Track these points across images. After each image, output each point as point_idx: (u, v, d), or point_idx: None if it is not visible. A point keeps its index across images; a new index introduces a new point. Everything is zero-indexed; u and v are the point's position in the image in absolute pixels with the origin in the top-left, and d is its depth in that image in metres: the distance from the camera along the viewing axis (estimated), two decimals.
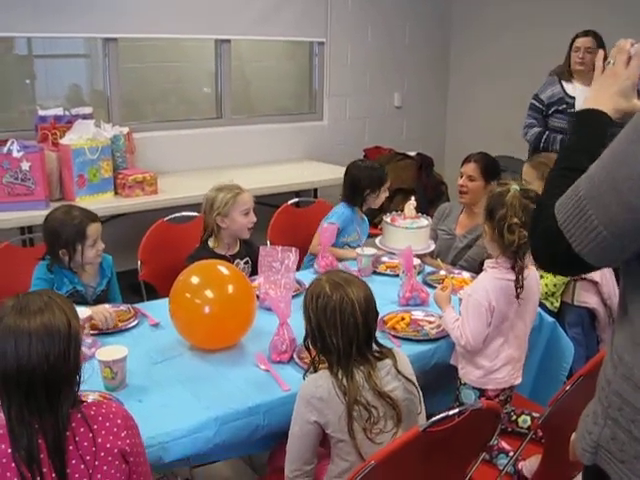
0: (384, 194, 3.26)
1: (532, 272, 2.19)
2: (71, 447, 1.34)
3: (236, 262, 2.79)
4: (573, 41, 3.93)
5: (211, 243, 2.80)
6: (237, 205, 2.75)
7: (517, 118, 5.02)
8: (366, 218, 3.42)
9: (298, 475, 1.74)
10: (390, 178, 3.32)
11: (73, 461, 1.34)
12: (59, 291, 2.44)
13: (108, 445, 1.37)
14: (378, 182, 3.21)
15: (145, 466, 1.47)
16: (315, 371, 1.83)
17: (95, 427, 1.37)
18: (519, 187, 2.08)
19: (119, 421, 1.40)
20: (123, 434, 1.39)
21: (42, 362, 1.32)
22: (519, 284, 2.07)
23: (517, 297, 2.08)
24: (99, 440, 1.36)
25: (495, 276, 2.11)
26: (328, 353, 1.74)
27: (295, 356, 2.09)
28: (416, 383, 1.79)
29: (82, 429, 1.36)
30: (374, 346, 1.78)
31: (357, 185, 3.22)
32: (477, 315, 2.09)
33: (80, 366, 1.41)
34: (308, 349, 1.84)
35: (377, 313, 1.79)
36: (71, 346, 1.36)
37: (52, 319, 1.35)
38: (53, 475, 1.32)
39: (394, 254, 3.00)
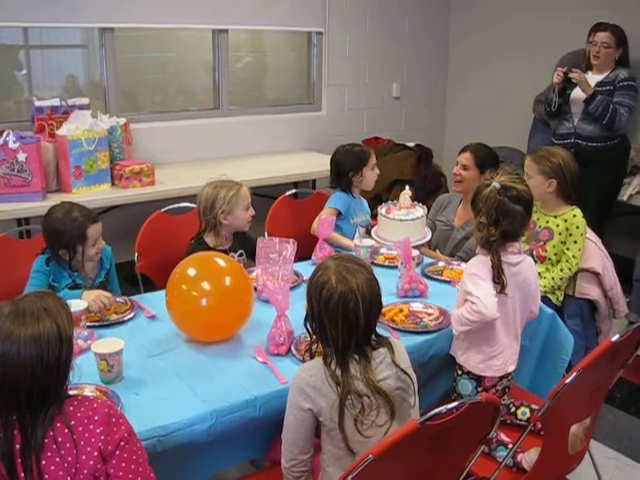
0: (372, 172, 3.27)
1: (526, 260, 2.16)
2: (46, 440, 1.35)
3: (231, 255, 2.77)
4: (593, 34, 3.94)
5: (208, 239, 2.77)
6: (240, 201, 2.75)
7: (517, 109, 5.03)
8: (363, 198, 3.44)
9: (294, 464, 1.73)
10: (389, 169, 3.32)
11: (48, 453, 1.35)
12: (58, 284, 2.45)
13: (82, 442, 1.37)
14: (359, 162, 3.23)
15: (135, 464, 1.44)
16: (311, 357, 1.82)
17: (73, 423, 1.38)
18: (500, 184, 2.04)
19: (96, 417, 1.40)
20: (98, 430, 1.39)
21: (28, 372, 1.33)
22: (499, 279, 2.04)
23: (500, 292, 2.05)
24: (74, 437, 1.37)
25: (487, 255, 2.08)
26: (326, 343, 1.73)
27: (293, 348, 2.08)
28: (412, 375, 1.76)
29: (59, 425, 1.37)
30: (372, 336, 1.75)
31: (340, 170, 3.25)
32: (480, 281, 2.04)
33: (68, 374, 1.42)
34: (309, 331, 1.81)
35: (381, 307, 1.74)
36: (62, 354, 1.38)
37: (42, 330, 1.36)
38: (26, 468, 1.33)
39: (391, 246, 2.98)
